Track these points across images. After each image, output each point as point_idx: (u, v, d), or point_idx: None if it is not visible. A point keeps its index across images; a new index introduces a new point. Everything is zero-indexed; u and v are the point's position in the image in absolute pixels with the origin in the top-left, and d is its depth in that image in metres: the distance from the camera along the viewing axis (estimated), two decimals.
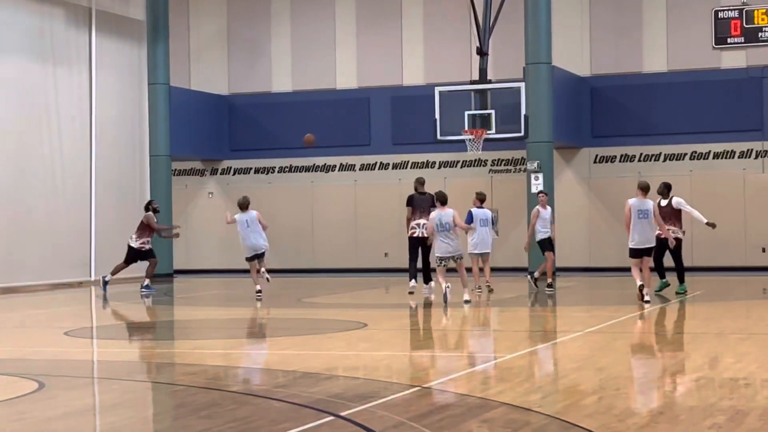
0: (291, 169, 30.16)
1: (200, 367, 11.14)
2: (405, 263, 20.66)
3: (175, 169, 30.24)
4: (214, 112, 30.41)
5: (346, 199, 28.73)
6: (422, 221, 19.20)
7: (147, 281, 22.53)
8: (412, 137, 28.35)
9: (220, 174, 30.87)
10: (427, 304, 18.40)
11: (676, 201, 18.09)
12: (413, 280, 19.91)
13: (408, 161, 29.13)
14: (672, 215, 18.11)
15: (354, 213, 29.10)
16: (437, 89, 23.48)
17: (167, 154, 28.79)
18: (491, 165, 28.43)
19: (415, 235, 19.62)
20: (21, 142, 24.66)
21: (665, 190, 18.30)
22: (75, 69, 26.38)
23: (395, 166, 29.25)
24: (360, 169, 29.55)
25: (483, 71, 23.31)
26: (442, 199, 17.72)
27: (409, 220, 19.77)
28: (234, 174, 30.71)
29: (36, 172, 25.01)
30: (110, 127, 27.29)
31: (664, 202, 18.17)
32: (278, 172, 30.30)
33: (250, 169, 30.50)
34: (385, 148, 29.29)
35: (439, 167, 28.81)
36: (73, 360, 12.05)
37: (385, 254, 28.48)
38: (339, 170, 29.71)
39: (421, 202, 19.62)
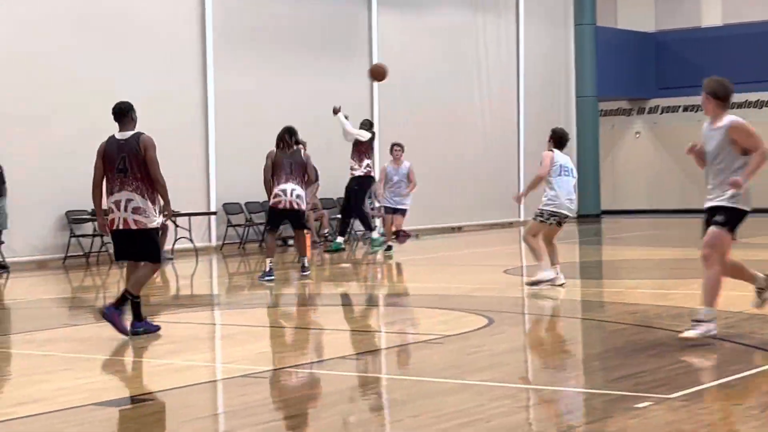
0: None
1: (640, 307, 11.12)
2: None
3: (602, 110, 30.16)
4: (641, 51, 29.99)
5: None
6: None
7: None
8: None
9: (647, 113, 30.45)
10: None
11: None
12: None
13: None
14: None
15: None
16: None
17: (594, 95, 28.78)
18: None
19: None
20: (452, 90, 25.56)
21: None
22: (503, 16, 26.93)
23: None
24: None
25: None
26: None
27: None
28: (661, 113, 30.19)
29: (467, 117, 25.87)
30: (537, 70, 27.66)
31: None
32: None
33: (679, 107, 29.84)
34: None
35: None
36: (514, 297, 12.43)
37: None
38: None
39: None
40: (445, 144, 25.22)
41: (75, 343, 9.46)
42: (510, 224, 26.72)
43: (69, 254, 18.04)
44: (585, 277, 15.41)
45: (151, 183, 9.39)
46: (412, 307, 11.67)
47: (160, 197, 9.52)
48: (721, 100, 8.46)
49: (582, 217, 28.33)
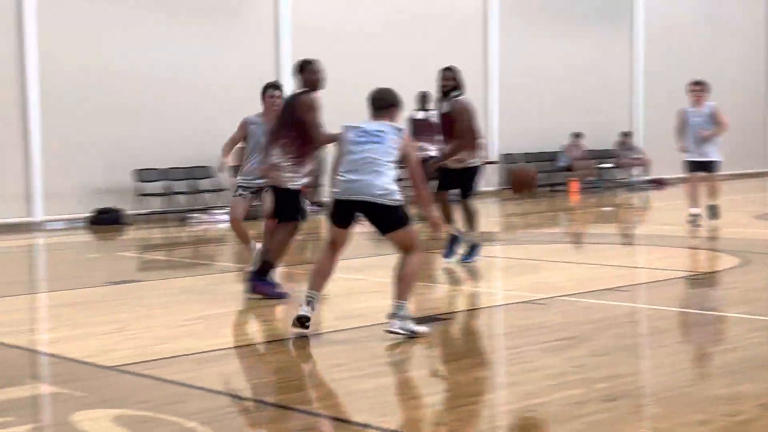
0: None
1: None
2: None
3: None
4: None
5: None
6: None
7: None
8: None
9: None
10: None
11: None
12: None
13: None
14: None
15: None
16: None
17: None
18: None
19: None
20: (707, 50, 24.51)
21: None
22: None
23: None
24: None
25: None
26: None
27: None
28: None
29: (721, 73, 24.62)
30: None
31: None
32: None
33: None
34: None
35: None
36: (764, 240, 11.83)
37: None
38: None
39: None
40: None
41: (385, 270, 9.72)
42: (759, 174, 25.39)
43: None
44: None
45: (298, 144, 7.74)
46: (671, 247, 11.29)
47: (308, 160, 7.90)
48: None
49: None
